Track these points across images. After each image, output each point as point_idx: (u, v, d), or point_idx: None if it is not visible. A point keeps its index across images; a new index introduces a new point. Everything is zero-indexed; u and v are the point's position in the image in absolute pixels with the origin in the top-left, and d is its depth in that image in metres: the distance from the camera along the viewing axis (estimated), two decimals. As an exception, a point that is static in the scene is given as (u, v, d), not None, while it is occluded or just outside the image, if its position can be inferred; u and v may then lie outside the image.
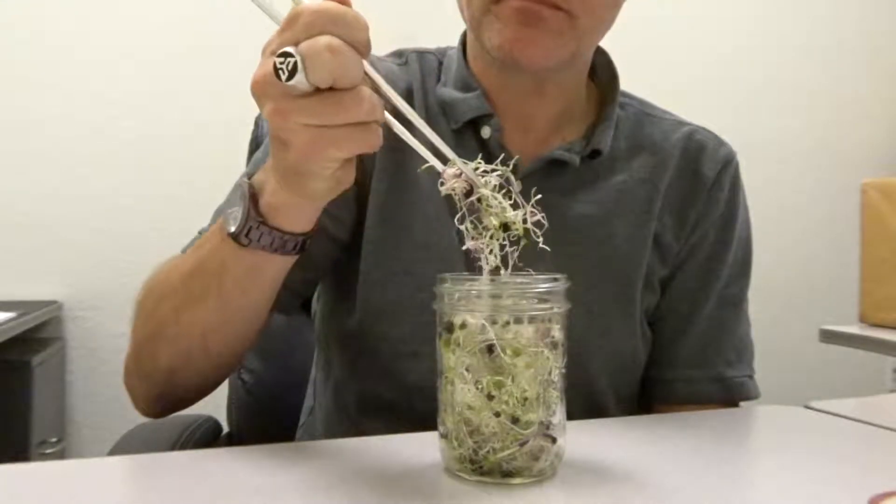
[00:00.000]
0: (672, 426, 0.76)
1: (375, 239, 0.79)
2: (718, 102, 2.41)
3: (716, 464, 0.63)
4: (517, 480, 0.55)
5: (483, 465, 0.55)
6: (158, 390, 0.75)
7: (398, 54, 0.88)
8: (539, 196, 0.60)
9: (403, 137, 0.60)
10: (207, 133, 2.05)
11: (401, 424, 0.71)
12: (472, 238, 0.60)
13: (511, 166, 0.61)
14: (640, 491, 0.55)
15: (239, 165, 0.89)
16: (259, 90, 0.54)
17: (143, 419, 0.83)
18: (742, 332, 0.88)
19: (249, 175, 0.65)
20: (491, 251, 0.59)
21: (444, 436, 0.57)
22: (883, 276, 1.58)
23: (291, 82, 0.51)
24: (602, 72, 0.89)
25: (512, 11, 0.73)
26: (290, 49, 0.50)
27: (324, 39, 0.50)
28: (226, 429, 1.06)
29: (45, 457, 1.78)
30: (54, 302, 2.01)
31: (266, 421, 1.05)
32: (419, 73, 0.85)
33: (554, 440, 0.56)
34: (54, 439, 1.86)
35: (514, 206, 0.60)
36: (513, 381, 0.54)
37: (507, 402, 0.54)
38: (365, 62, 0.52)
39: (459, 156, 0.80)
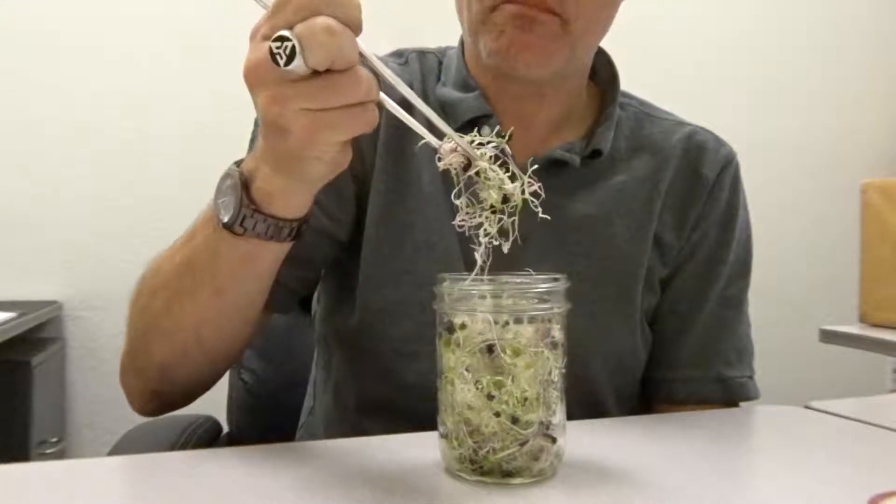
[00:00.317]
0: (672, 426, 0.76)
1: (375, 239, 0.79)
2: (718, 102, 2.41)
3: (716, 464, 0.63)
4: (517, 480, 0.55)
5: (483, 465, 0.55)
6: (153, 387, 0.74)
7: (398, 54, 0.88)
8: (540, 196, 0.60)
9: (398, 115, 0.60)
10: (207, 133, 2.05)
11: (400, 424, 0.71)
12: (468, 214, 0.59)
13: (507, 137, 0.61)
14: (640, 491, 0.55)
15: (239, 165, 0.89)
16: (253, 77, 0.53)
17: (143, 419, 0.83)
18: (742, 332, 0.88)
19: (237, 163, 0.64)
20: (490, 224, 0.59)
21: (444, 436, 0.57)
22: (883, 276, 1.58)
23: (290, 67, 0.50)
24: (602, 72, 0.89)
25: (508, 17, 0.73)
26: (285, 32, 0.49)
27: (320, 20, 0.49)
28: (226, 429, 1.06)
29: (45, 457, 1.78)
30: (54, 302, 2.01)
31: (266, 421, 1.05)
32: (419, 72, 0.85)
33: (554, 440, 0.56)
34: (54, 439, 1.86)
35: (512, 179, 0.59)
36: (513, 381, 0.54)
37: (507, 402, 0.54)
38: (358, 40, 0.52)
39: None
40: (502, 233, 0.59)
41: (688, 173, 0.86)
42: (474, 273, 0.58)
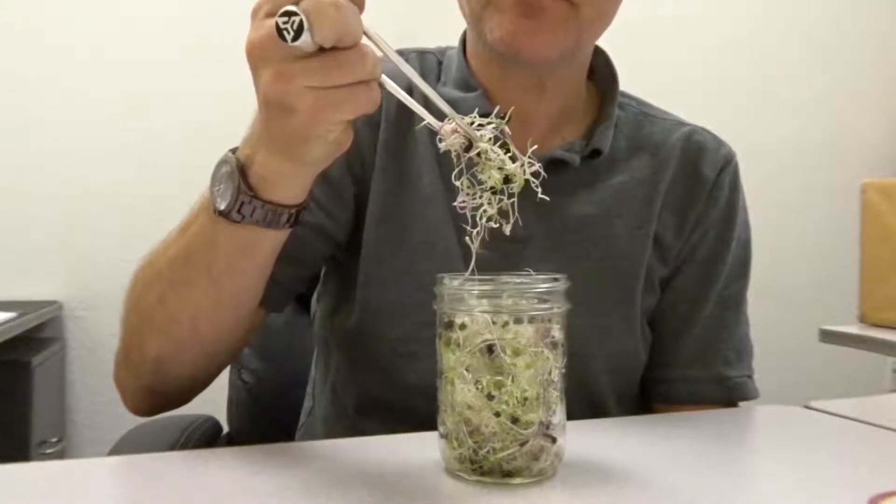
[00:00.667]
0: (672, 426, 0.76)
1: (375, 239, 0.79)
2: (718, 102, 2.41)
3: (716, 464, 0.63)
4: (517, 480, 0.55)
5: (483, 465, 0.55)
6: (147, 383, 0.73)
7: (397, 54, 0.88)
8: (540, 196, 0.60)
9: (399, 97, 0.59)
10: (207, 133, 2.04)
11: (399, 425, 0.71)
12: (468, 195, 0.59)
13: (507, 118, 0.60)
14: (640, 491, 0.55)
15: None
16: (258, 54, 0.52)
17: (142, 419, 0.83)
18: (741, 332, 0.88)
19: (233, 150, 0.63)
20: (490, 206, 0.59)
21: (444, 436, 0.57)
22: (883, 276, 1.58)
23: (297, 42, 0.49)
24: (601, 72, 0.89)
25: (512, 3, 0.72)
26: (292, 8, 0.48)
27: None
28: (226, 429, 1.06)
29: (45, 457, 1.78)
30: (54, 302, 2.01)
31: (266, 421, 1.05)
32: (419, 72, 0.85)
33: (554, 440, 0.56)
34: (54, 439, 1.86)
35: (512, 159, 0.59)
36: (513, 381, 0.54)
37: (507, 402, 0.54)
38: (362, 17, 0.51)
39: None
40: (502, 215, 0.59)
41: (687, 173, 0.86)
42: (474, 255, 0.58)
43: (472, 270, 0.58)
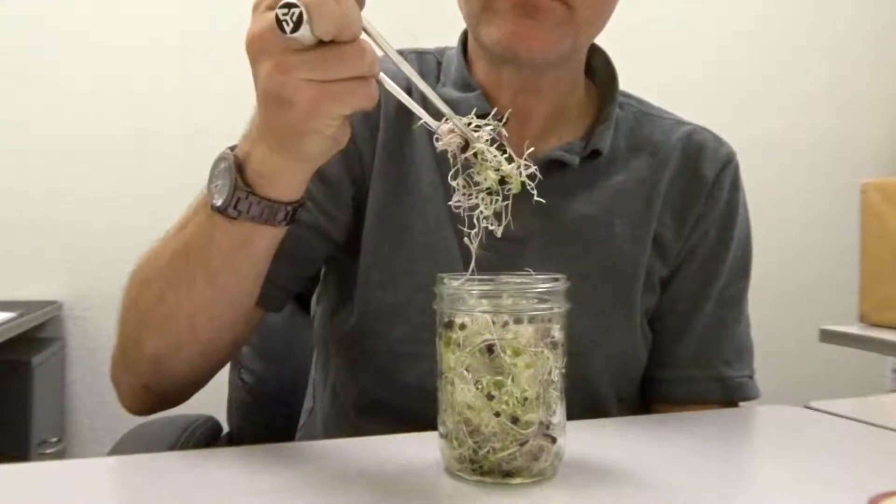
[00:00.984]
0: (672, 426, 0.76)
1: (374, 240, 0.79)
2: (718, 102, 2.41)
3: (716, 464, 0.63)
4: (517, 480, 0.55)
5: (483, 465, 0.55)
6: (145, 381, 0.73)
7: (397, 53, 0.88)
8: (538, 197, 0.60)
9: (397, 96, 0.60)
10: (207, 133, 2.04)
11: (399, 426, 0.71)
12: (464, 195, 0.60)
13: (505, 120, 0.61)
14: (640, 491, 0.55)
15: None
16: (257, 46, 0.52)
17: (143, 419, 0.83)
18: (742, 332, 0.88)
19: (231, 148, 0.63)
20: (486, 206, 0.59)
21: (444, 436, 0.57)
22: (883, 276, 1.58)
23: (296, 34, 0.49)
24: (601, 71, 0.88)
25: (510, 5, 0.72)
26: (293, 0, 0.49)
27: None
28: (226, 429, 1.06)
29: (45, 457, 1.78)
30: (54, 302, 2.01)
31: (266, 421, 1.05)
32: (419, 73, 0.85)
33: (554, 440, 0.56)
34: (54, 439, 1.86)
35: (508, 161, 0.60)
36: (513, 381, 0.54)
37: (507, 402, 0.54)
38: (362, 14, 0.51)
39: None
40: (497, 216, 0.59)
41: (687, 173, 0.86)
42: (473, 256, 0.58)
43: (472, 271, 0.58)
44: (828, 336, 1.59)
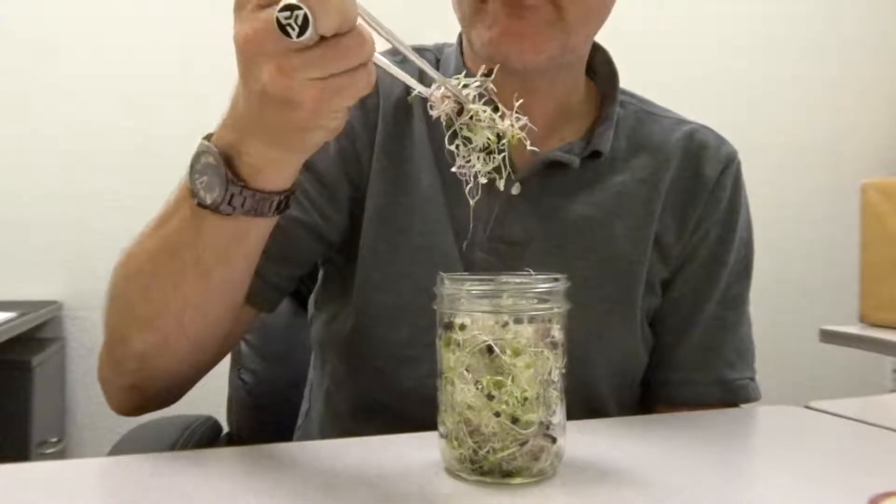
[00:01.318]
0: (672, 426, 0.76)
1: (373, 242, 0.78)
2: (718, 102, 2.41)
3: (716, 464, 0.63)
4: (517, 480, 0.55)
5: (483, 465, 0.55)
6: (131, 380, 0.71)
7: (394, 52, 0.87)
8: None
9: (388, 69, 0.59)
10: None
11: (396, 429, 0.70)
12: (463, 159, 0.60)
13: (493, 75, 0.61)
14: (640, 491, 0.55)
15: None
16: (253, 48, 0.50)
17: (143, 419, 0.82)
18: (743, 333, 0.88)
19: (207, 138, 0.60)
20: (485, 164, 0.60)
21: (444, 436, 0.57)
22: (883, 276, 1.58)
23: (303, 38, 0.46)
24: (601, 70, 0.88)
25: (499, 5, 0.72)
26: (294, 1, 0.46)
27: None
28: (226, 429, 1.06)
29: (45, 457, 1.78)
30: (54, 302, 2.01)
31: (266, 421, 1.05)
32: (417, 71, 0.85)
33: (554, 440, 0.56)
34: (54, 439, 1.86)
35: (499, 114, 0.60)
36: (513, 381, 0.54)
37: (507, 402, 0.54)
38: None
39: (451, 155, 0.79)
40: (497, 171, 0.60)
41: (689, 173, 0.85)
42: (471, 256, 0.58)
43: (469, 261, 0.58)
44: (828, 336, 1.59)
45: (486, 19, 0.73)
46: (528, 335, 0.55)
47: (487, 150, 0.60)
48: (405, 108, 0.81)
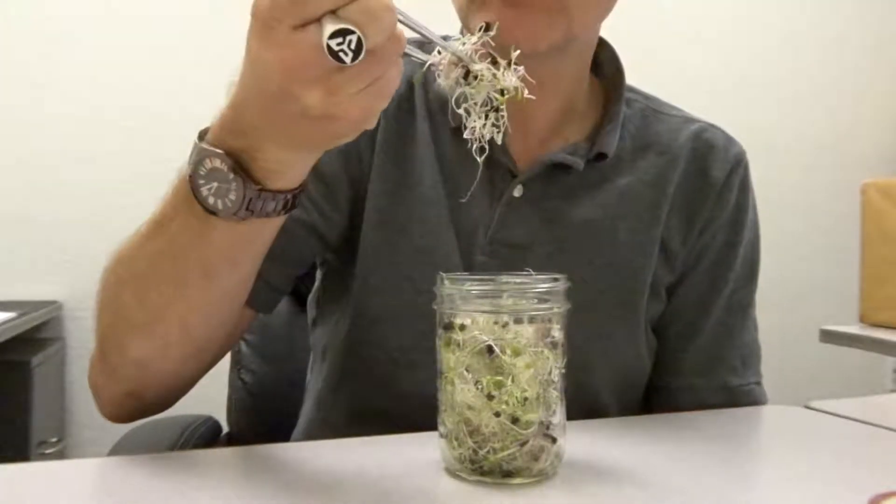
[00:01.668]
0: (672, 426, 0.76)
1: (373, 243, 0.77)
2: (719, 102, 2.40)
3: (716, 464, 0.63)
4: (517, 480, 0.55)
5: (483, 465, 0.55)
6: (127, 387, 0.69)
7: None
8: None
9: (416, 28, 0.56)
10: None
11: (393, 433, 0.69)
12: (478, 120, 0.60)
13: (493, 30, 0.62)
14: (640, 491, 0.55)
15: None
16: (301, 76, 0.48)
17: (143, 419, 0.82)
18: (748, 337, 0.86)
19: (207, 142, 0.57)
20: (495, 122, 0.60)
21: (444, 436, 0.57)
22: (883, 276, 1.58)
23: (357, 61, 0.45)
24: (607, 67, 0.85)
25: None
26: (345, 25, 0.44)
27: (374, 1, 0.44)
28: (226, 429, 1.06)
29: (45, 457, 1.78)
30: (54, 302, 2.01)
31: (266, 421, 1.05)
32: (420, 65, 0.82)
33: (554, 440, 0.56)
34: (54, 439, 1.86)
35: (497, 66, 0.61)
36: (513, 381, 0.54)
37: (507, 402, 0.54)
38: None
39: (453, 156, 0.79)
40: (495, 127, 0.61)
41: (695, 175, 0.83)
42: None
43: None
44: (828, 336, 1.59)
45: (482, 7, 0.70)
46: (528, 335, 0.55)
47: (494, 108, 0.60)
48: (408, 107, 0.80)
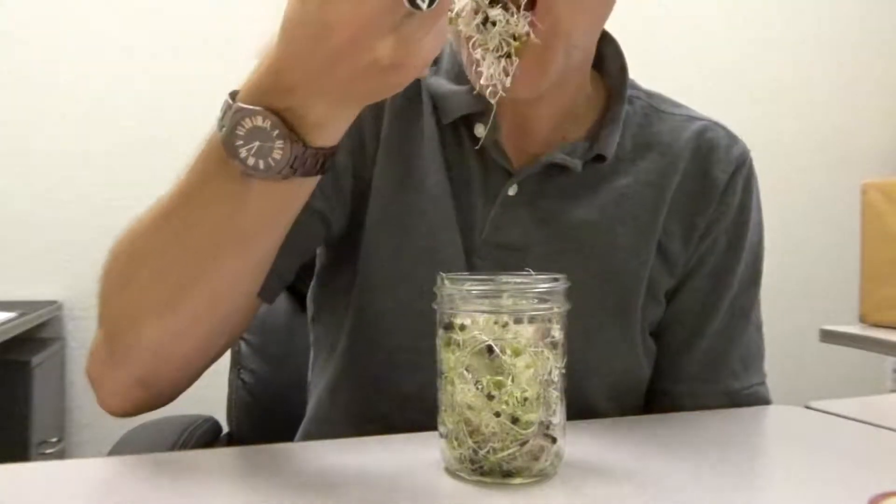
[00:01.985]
0: (672, 426, 0.76)
1: (375, 241, 0.76)
2: (719, 103, 2.40)
3: (716, 464, 0.63)
4: (517, 480, 0.55)
5: (483, 465, 0.55)
6: (137, 374, 0.66)
7: None
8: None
9: None
10: (208, 132, 2.04)
11: (393, 433, 0.69)
12: (493, 63, 0.62)
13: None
14: (641, 491, 0.55)
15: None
16: (370, 31, 0.49)
17: (142, 419, 0.82)
18: (749, 339, 0.84)
19: (239, 100, 0.56)
20: (509, 66, 0.62)
21: (444, 436, 0.57)
22: (883, 276, 1.58)
23: (435, 5, 0.46)
24: (610, 63, 0.83)
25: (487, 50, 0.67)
26: None
27: None
28: (226, 429, 1.06)
29: (45, 457, 1.78)
30: (54, 302, 2.01)
31: (266, 421, 1.05)
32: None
33: (554, 440, 0.56)
34: (54, 439, 1.86)
35: (506, 9, 0.63)
36: (513, 381, 0.54)
37: (507, 402, 0.54)
38: None
39: (454, 154, 0.78)
40: (505, 72, 0.62)
41: (697, 176, 0.81)
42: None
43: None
44: (828, 336, 1.59)
45: (476, 62, 0.68)
46: (528, 335, 0.55)
47: (507, 55, 0.61)
48: (414, 101, 0.78)
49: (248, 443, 0.68)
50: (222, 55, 2.05)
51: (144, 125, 2.08)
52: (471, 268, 0.76)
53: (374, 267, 0.76)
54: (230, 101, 0.56)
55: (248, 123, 0.55)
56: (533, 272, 0.59)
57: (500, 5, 0.61)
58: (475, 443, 0.55)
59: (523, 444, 0.54)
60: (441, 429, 0.58)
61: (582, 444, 0.63)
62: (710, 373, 0.82)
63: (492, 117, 0.74)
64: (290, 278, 0.76)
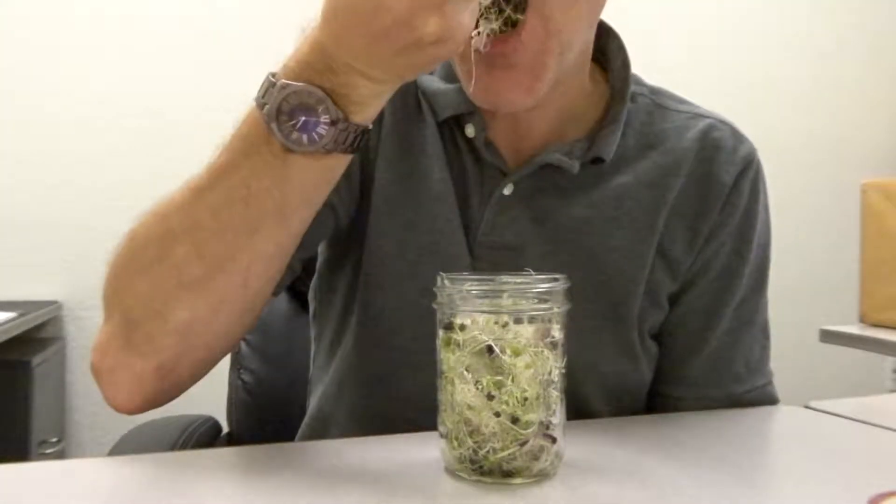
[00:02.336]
0: (672, 426, 0.76)
1: (379, 236, 0.75)
2: (718, 102, 2.40)
3: (716, 464, 0.63)
4: (517, 480, 0.55)
5: (483, 465, 0.55)
6: (159, 360, 0.64)
7: None
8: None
9: None
10: (208, 132, 2.04)
11: (393, 433, 0.68)
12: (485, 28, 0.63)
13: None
14: (640, 491, 0.55)
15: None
16: (424, 5, 0.51)
17: (142, 419, 0.82)
18: (754, 343, 0.82)
19: (280, 77, 0.57)
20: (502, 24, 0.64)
21: (444, 436, 0.57)
22: (883, 276, 1.58)
23: None
24: (613, 59, 0.80)
25: (479, 58, 0.65)
26: None
27: None
28: (226, 429, 1.06)
29: (45, 457, 1.78)
30: (54, 302, 2.01)
31: (266, 421, 1.05)
32: None
33: (554, 440, 0.56)
34: (54, 439, 1.86)
35: None
36: (513, 381, 0.54)
37: (507, 402, 0.54)
38: None
39: (453, 152, 0.78)
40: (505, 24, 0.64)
41: (701, 178, 0.78)
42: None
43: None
44: (828, 336, 1.60)
45: (463, 59, 0.69)
46: (528, 335, 0.55)
47: (500, 11, 0.63)
48: (416, 94, 0.78)
49: (248, 443, 0.68)
50: (223, 55, 2.05)
51: (145, 125, 2.08)
52: (476, 266, 0.75)
53: (377, 263, 0.76)
54: (272, 79, 0.58)
55: (293, 100, 0.57)
56: (532, 272, 0.59)
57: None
58: (475, 443, 0.55)
59: (523, 444, 0.54)
60: (441, 429, 0.58)
61: (582, 444, 0.63)
62: (713, 377, 0.81)
63: (482, 119, 0.74)
64: (299, 270, 0.75)
